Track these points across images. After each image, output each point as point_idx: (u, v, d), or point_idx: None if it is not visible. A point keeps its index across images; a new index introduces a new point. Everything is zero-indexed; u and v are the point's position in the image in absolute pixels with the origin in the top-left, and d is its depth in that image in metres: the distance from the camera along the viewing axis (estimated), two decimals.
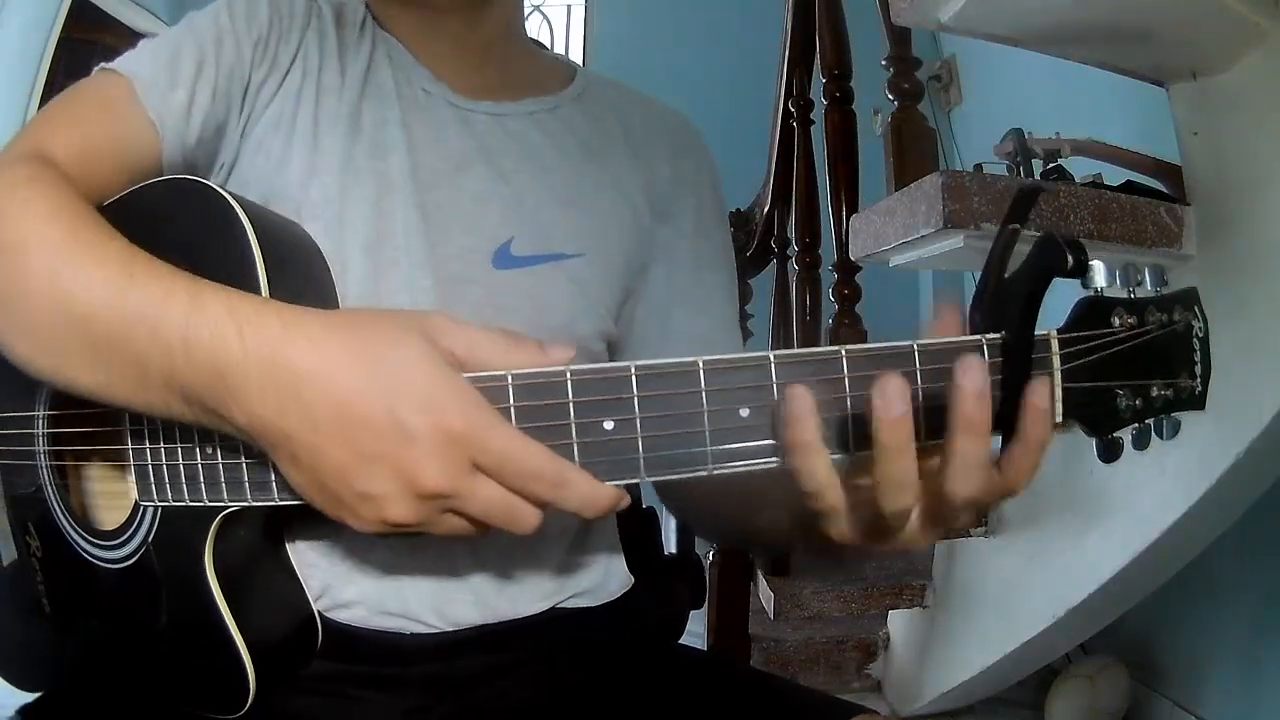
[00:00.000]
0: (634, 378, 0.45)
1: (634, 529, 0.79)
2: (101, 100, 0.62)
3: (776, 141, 2.02)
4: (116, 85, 0.62)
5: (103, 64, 0.64)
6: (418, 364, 0.44)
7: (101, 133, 0.61)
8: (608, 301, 0.71)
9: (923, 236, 1.14)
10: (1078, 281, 0.45)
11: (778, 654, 1.85)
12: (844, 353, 0.44)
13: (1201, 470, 1.09)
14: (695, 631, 1.73)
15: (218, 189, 0.57)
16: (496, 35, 0.73)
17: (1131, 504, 1.23)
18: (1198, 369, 0.47)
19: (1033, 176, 1.73)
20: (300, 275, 0.60)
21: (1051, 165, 1.78)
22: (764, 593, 1.82)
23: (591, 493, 0.45)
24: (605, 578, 0.73)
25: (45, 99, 2.59)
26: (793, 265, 1.91)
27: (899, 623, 1.89)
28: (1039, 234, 0.43)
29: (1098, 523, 1.30)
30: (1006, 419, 0.43)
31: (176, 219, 0.58)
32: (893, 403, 0.41)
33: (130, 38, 2.85)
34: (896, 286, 2.59)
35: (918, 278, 2.74)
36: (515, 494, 0.45)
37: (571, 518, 0.70)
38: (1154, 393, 0.46)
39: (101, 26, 2.84)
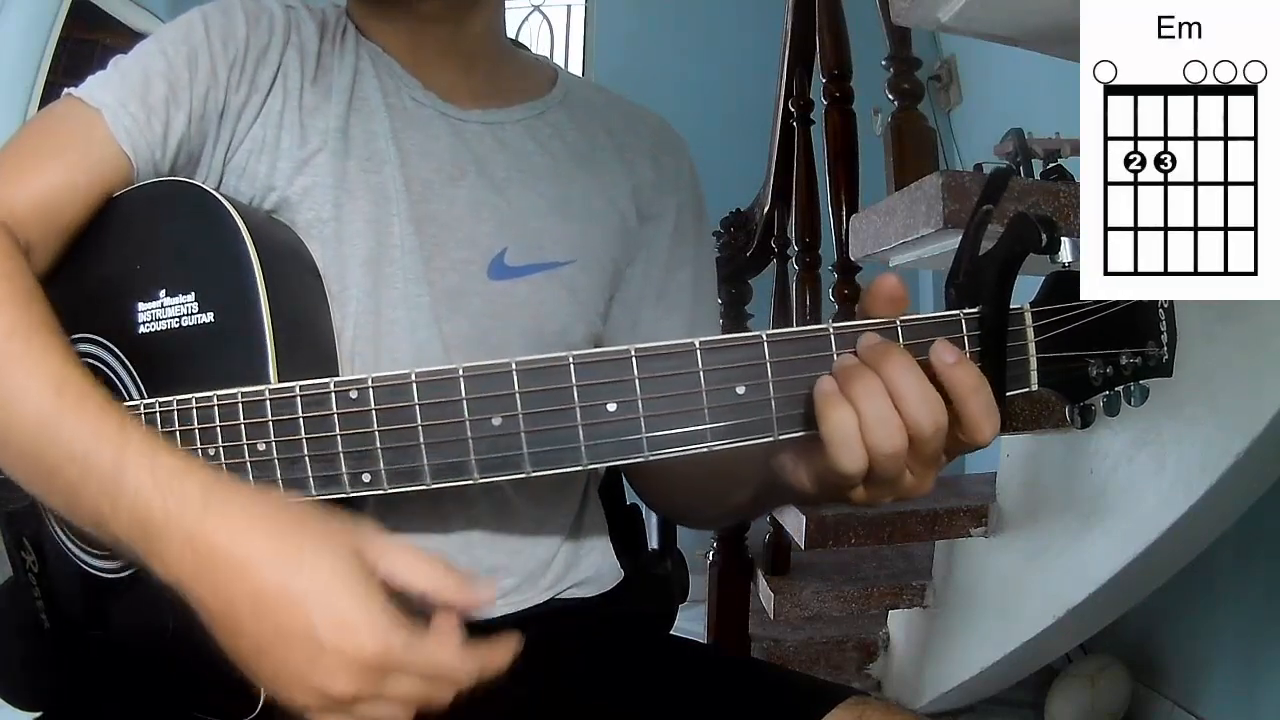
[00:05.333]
0: (634, 360, 0.47)
1: (620, 526, 0.80)
2: (69, 135, 0.60)
3: (776, 141, 2.01)
4: (85, 117, 0.60)
5: (69, 90, 0.61)
6: (338, 581, 0.45)
7: (69, 171, 0.59)
8: (599, 306, 0.72)
9: (923, 236, 1.14)
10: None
11: (778, 654, 1.86)
12: (832, 330, 0.47)
13: (1201, 470, 1.09)
14: (695, 632, 1.74)
15: (216, 194, 0.57)
16: (482, 41, 0.73)
17: (1131, 504, 1.23)
18: (1164, 338, 0.49)
19: (1033, 176, 1.74)
20: (297, 285, 0.60)
21: (1051, 165, 1.79)
22: (764, 593, 1.82)
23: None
24: (600, 568, 0.74)
25: (45, 99, 2.59)
26: (793, 265, 1.91)
27: (899, 623, 1.89)
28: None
29: (1098, 523, 1.30)
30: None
31: (174, 224, 0.58)
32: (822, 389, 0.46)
33: (130, 38, 2.85)
34: None
35: (918, 277, 2.74)
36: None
37: (569, 507, 0.71)
38: (1123, 361, 0.49)
39: (101, 26, 2.83)
